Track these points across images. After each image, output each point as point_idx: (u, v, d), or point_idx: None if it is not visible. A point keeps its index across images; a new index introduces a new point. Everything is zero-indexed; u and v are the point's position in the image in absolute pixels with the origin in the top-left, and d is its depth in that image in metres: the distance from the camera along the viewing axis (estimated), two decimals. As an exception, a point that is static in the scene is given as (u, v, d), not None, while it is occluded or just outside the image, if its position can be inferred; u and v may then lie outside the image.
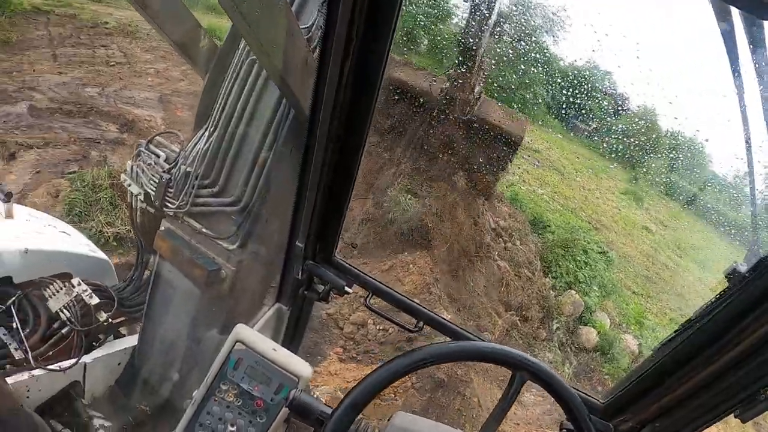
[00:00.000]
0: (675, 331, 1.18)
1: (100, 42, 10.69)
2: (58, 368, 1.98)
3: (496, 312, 6.61)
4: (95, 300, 2.09)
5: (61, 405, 1.99)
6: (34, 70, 8.90)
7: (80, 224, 5.29)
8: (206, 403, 1.17)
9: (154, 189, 1.89)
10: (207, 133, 1.88)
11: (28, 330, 1.89)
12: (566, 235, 8.65)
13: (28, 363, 1.82)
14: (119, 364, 2.19)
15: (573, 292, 7.68)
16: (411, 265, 5.78)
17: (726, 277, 1.04)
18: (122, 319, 2.22)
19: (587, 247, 8.42)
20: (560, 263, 8.03)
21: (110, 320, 2.14)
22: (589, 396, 1.35)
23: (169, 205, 1.85)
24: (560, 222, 9.46)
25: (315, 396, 1.17)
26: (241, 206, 1.85)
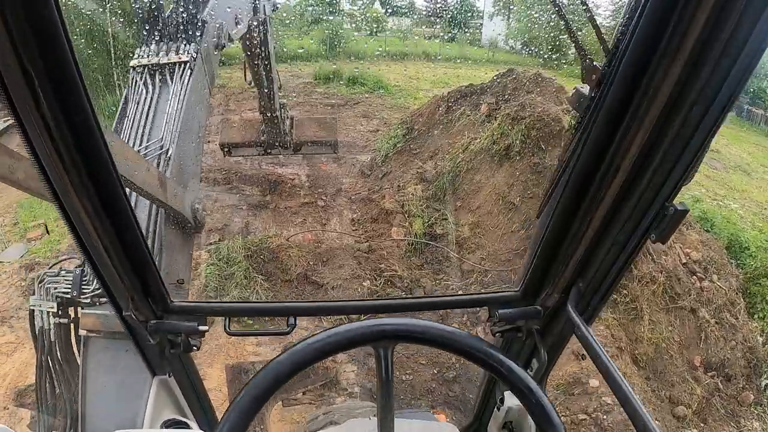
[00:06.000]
0: (548, 188, 1.05)
1: (247, 105, 11.13)
2: None
3: (693, 376, 5.57)
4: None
5: None
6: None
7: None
8: None
9: (69, 289, 1.93)
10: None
11: None
12: (771, 258, 7.12)
13: None
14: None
15: (787, 335, 6.06)
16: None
17: (573, 107, 0.90)
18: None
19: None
20: (767, 298, 6.58)
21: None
22: (503, 291, 1.30)
23: (85, 291, 1.89)
24: (762, 240, 7.81)
25: None
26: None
